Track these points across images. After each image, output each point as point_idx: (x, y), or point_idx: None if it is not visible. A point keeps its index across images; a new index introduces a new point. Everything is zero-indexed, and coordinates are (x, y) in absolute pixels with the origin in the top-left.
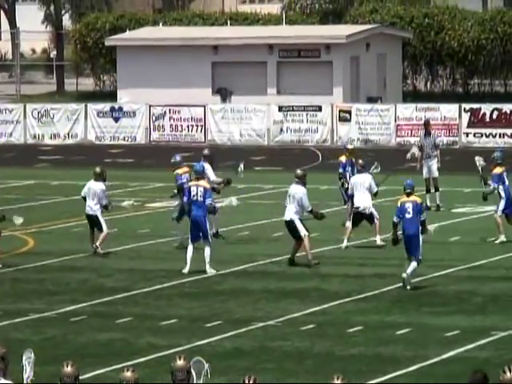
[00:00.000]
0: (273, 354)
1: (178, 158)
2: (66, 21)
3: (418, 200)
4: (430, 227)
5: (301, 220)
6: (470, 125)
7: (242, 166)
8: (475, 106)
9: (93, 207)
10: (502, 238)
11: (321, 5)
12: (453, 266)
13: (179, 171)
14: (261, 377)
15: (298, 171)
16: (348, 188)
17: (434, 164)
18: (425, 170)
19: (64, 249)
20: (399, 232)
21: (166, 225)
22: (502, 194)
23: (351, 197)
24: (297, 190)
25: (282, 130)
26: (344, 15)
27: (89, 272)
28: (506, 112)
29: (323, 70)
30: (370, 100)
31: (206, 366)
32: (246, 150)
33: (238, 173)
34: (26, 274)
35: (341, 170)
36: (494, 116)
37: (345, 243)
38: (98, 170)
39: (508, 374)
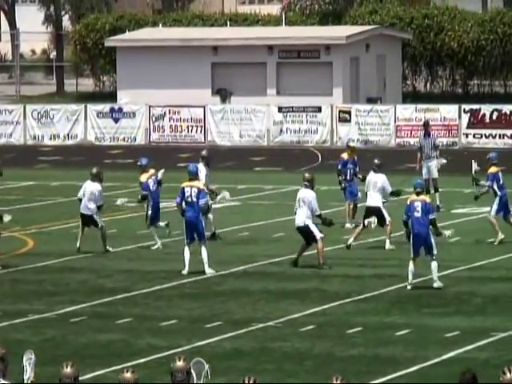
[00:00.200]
0: (273, 355)
1: (143, 161)
2: (66, 22)
3: (427, 199)
4: (446, 232)
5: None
6: (470, 126)
7: (221, 196)
8: (475, 106)
9: (89, 207)
10: (500, 236)
11: (320, 6)
12: (453, 267)
13: (142, 178)
14: (261, 377)
15: (307, 174)
16: (345, 186)
17: (434, 165)
18: (424, 171)
19: (64, 249)
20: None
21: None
22: (498, 192)
23: (350, 194)
24: (306, 194)
25: (281, 130)
26: (344, 16)
27: (88, 273)
28: (505, 113)
29: (323, 70)
30: (370, 101)
31: (206, 366)
32: (246, 150)
33: (217, 202)
34: (25, 275)
35: (339, 167)
36: (494, 117)
37: (350, 241)
38: (94, 170)
39: (508, 374)
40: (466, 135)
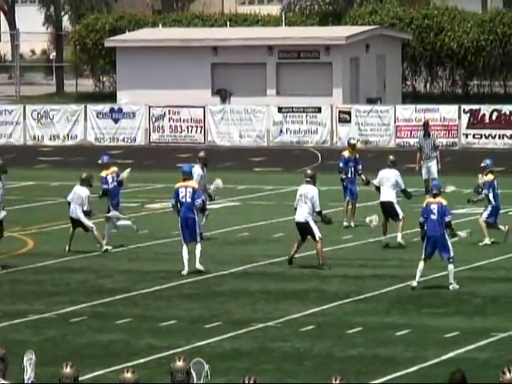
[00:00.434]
0: (272, 355)
1: (105, 158)
2: (66, 22)
3: (444, 202)
4: (461, 233)
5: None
6: (470, 126)
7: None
8: (475, 107)
9: (76, 211)
10: (487, 240)
11: (320, 6)
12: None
13: (104, 173)
14: (260, 378)
15: (309, 171)
16: (346, 184)
17: (434, 165)
18: (424, 171)
19: (63, 250)
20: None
21: (166, 226)
22: (493, 202)
23: (350, 194)
24: (309, 190)
25: (281, 131)
26: (343, 16)
27: (88, 273)
28: (505, 113)
29: (323, 71)
30: (370, 101)
31: (206, 367)
32: (246, 151)
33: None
34: (25, 275)
35: (341, 165)
36: (494, 117)
37: (383, 238)
38: (83, 175)
39: (508, 374)
40: (466, 135)
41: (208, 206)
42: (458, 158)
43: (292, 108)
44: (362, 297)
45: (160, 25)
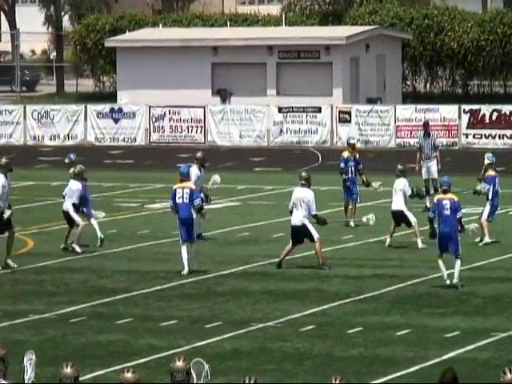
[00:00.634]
0: (272, 355)
1: (72, 156)
2: (66, 22)
3: (455, 198)
4: (469, 226)
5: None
6: (470, 126)
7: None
8: (475, 107)
9: (66, 204)
10: (487, 239)
11: (320, 6)
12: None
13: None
14: (260, 378)
15: (304, 173)
16: (348, 184)
17: (434, 165)
18: (424, 171)
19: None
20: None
21: (166, 226)
22: (489, 197)
23: (351, 194)
24: (305, 194)
25: (281, 131)
26: (343, 16)
27: (88, 273)
28: (505, 113)
29: (323, 71)
30: (370, 101)
31: (206, 367)
32: (246, 151)
33: (211, 186)
34: (25, 275)
35: (342, 165)
36: (494, 117)
37: (388, 240)
38: (76, 169)
39: (508, 375)
40: (466, 135)
41: (206, 206)
42: (458, 158)
43: (292, 108)
44: (362, 297)
45: (160, 25)
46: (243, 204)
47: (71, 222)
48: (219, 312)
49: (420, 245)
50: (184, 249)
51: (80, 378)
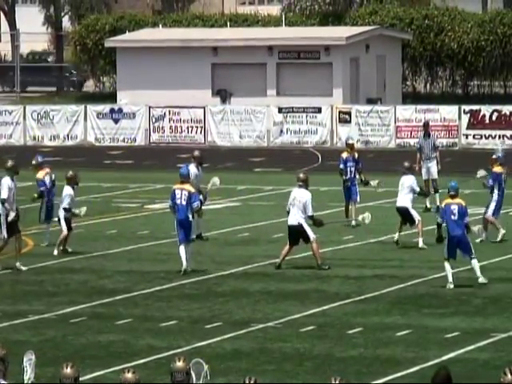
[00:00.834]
0: (272, 356)
1: (39, 158)
2: (66, 22)
3: (463, 203)
4: (474, 228)
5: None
6: (470, 126)
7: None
8: (475, 107)
9: (58, 210)
10: (502, 231)
11: (320, 6)
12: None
13: (39, 175)
14: (260, 378)
15: (301, 175)
16: (349, 185)
17: (434, 165)
18: (424, 172)
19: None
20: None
21: (166, 226)
22: (495, 197)
23: (351, 194)
24: (302, 195)
25: (281, 131)
26: (344, 17)
27: (88, 273)
28: (505, 113)
29: (323, 71)
30: (370, 101)
31: (206, 367)
32: (246, 151)
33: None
34: (25, 276)
35: (341, 166)
36: (494, 117)
37: (396, 236)
38: (68, 174)
39: (509, 375)
40: (466, 136)
41: (204, 207)
42: (458, 159)
43: (292, 108)
44: (362, 297)
45: (160, 25)
46: (243, 204)
47: (70, 225)
48: (219, 312)
49: (421, 244)
50: (182, 248)
51: (80, 379)
